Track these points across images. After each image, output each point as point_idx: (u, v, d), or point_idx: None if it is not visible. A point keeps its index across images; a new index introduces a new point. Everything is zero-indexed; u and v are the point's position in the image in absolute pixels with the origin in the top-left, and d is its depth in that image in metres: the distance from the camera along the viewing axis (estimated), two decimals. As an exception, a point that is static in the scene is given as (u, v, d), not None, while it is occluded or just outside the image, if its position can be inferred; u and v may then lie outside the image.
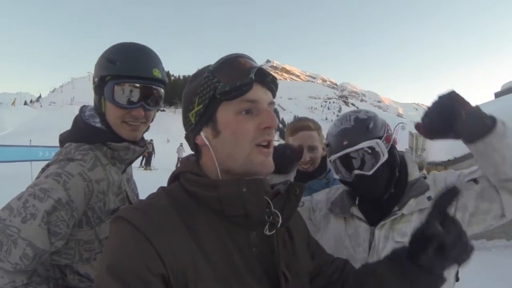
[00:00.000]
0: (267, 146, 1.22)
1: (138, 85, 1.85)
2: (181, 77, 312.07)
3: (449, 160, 12.94)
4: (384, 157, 1.92)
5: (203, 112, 1.21)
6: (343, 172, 2.02)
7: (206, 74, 1.21)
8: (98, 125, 1.92)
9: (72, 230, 1.74)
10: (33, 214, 1.57)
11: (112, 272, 0.99)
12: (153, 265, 1.00)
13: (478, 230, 1.88)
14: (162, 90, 1.96)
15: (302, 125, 2.89)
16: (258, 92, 1.19)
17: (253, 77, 1.16)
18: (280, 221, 1.20)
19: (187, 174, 1.25)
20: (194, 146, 1.30)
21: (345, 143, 1.95)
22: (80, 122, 1.95)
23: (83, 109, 2.03)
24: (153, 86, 1.89)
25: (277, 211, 1.20)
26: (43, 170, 1.78)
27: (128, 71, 1.83)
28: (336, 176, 2.05)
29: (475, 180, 1.89)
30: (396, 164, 2.02)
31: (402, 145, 15.59)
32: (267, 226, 1.19)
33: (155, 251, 1.02)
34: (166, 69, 1.84)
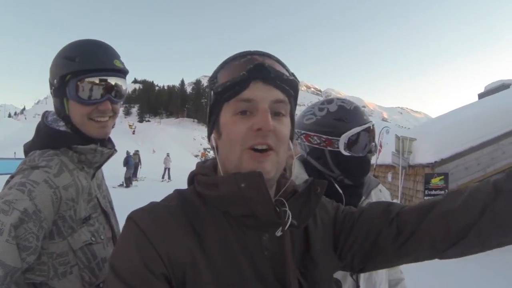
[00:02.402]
0: (262, 151, 1.11)
1: (102, 78, 1.77)
2: (166, 87, 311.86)
3: (436, 162, 13.06)
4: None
5: (209, 114, 1.20)
6: (361, 146, 2.02)
7: (210, 76, 1.19)
8: (62, 128, 1.84)
9: (43, 243, 1.62)
10: None
11: (114, 270, 1.01)
12: (154, 265, 1.00)
13: None
14: (126, 81, 1.90)
15: None
16: (257, 91, 1.09)
17: (245, 74, 1.08)
18: (290, 221, 1.10)
19: (198, 176, 1.23)
20: (212, 148, 1.26)
21: (364, 117, 2.02)
22: (42, 128, 1.85)
23: (45, 114, 1.93)
24: (117, 78, 1.82)
25: (287, 210, 1.11)
26: (7, 182, 1.67)
27: (89, 65, 1.74)
28: (346, 153, 1.98)
29: None
30: None
31: (388, 149, 15.68)
32: (280, 228, 1.10)
33: (155, 251, 1.01)
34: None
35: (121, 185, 27.18)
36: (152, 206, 1.14)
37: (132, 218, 1.08)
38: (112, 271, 1.01)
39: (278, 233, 1.10)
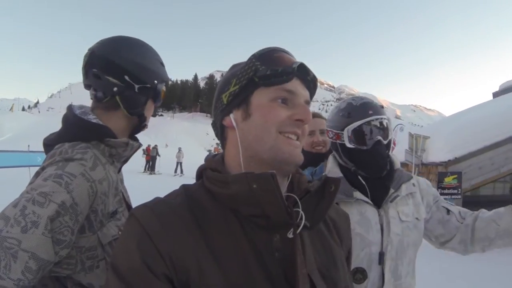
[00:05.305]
0: (294, 140, 1.16)
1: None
2: (179, 82, 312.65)
3: (449, 160, 12.98)
4: (391, 134, 2.21)
5: (238, 92, 1.17)
6: (364, 139, 2.15)
7: (249, 58, 1.19)
8: (94, 121, 1.83)
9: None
10: (35, 222, 1.40)
11: (114, 269, 0.99)
12: (155, 265, 0.97)
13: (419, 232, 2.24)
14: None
15: (313, 114, 3.26)
16: (297, 86, 1.16)
17: (295, 68, 1.14)
18: (303, 222, 1.08)
19: (207, 171, 1.19)
20: (220, 129, 1.25)
21: (370, 112, 2.14)
22: (72, 119, 1.83)
23: (71, 107, 1.92)
24: None
25: (300, 211, 1.09)
26: (37, 173, 1.65)
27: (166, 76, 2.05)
28: (350, 145, 2.16)
29: (448, 210, 2.29)
30: (388, 147, 2.24)
31: (401, 146, 15.60)
32: (292, 230, 1.07)
33: (156, 250, 0.99)
34: None
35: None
36: (155, 202, 1.11)
37: (134, 214, 1.06)
38: (112, 269, 1.00)
39: (290, 234, 1.07)
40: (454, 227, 2.21)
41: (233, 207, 1.10)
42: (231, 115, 1.18)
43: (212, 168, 1.19)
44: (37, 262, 1.40)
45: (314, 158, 3.25)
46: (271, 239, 1.08)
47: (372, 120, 2.13)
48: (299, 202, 1.11)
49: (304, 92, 1.19)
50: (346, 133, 2.16)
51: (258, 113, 1.14)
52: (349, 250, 1.40)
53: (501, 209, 2.09)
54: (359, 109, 2.17)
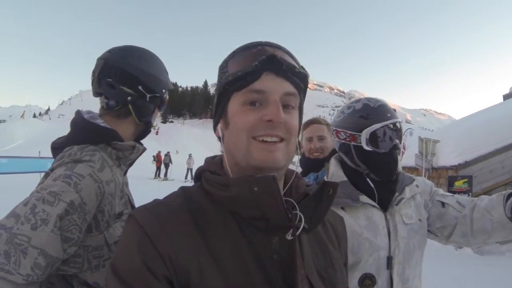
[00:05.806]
0: (271, 142, 1.09)
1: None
2: (189, 88, 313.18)
3: (459, 164, 12.88)
4: (403, 137, 2.17)
5: (217, 102, 1.17)
6: (382, 142, 2.12)
7: (220, 64, 1.17)
8: (103, 125, 1.89)
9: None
10: (45, 219, 1.47)
11: (114, 270, 0.99)
12: (155, 267, 0.97)
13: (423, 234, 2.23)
14: None
15: (313, 120, 3.49)
16: (269, 82, 1.08)
17: (258, 65, 1.06)
18: (303, 224, 1.06)
19: (206, 172, 1.19)
20: (218, 139, 1.25)
21: (388, 115, 2.12)
22: (81, 123, 1.89)
23: (80, 112, 1.98)
24: None
25: (300, 214, 1.07)
26: (47, 175, 1.71)
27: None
28: (367, 148, 2.12)
29: (443, 204, 2.26)
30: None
31: (411, 151, 15.52)
32: (291, 231, 1.06)
33: (157, 252, 0.98)
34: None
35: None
36: (155, 204, 1.11)
37: (134, 216, 1.05)
38: (112, 271, 0.99)
39: (289, 236, 1.06)
40: (452, 218, 2.18)
41: (232, 210, 1.10)
42: (219, 126, 1.20)
43: (211, 171, 1.19)
44: (45, 259, 1.46)
45: (315, 164, 3.32)
46: (270, 242, 1.08)
47: (391, 123, 2.12)
48: (296, 206, 1.10)
49: (278, 87, 1.09)
50: (365, 135, 2.10)
51: (233, 120, 1.12)
52: (346, 253, 1.40)
53: (494, 198, 2.07)
54: (378, 111, 2.13)
